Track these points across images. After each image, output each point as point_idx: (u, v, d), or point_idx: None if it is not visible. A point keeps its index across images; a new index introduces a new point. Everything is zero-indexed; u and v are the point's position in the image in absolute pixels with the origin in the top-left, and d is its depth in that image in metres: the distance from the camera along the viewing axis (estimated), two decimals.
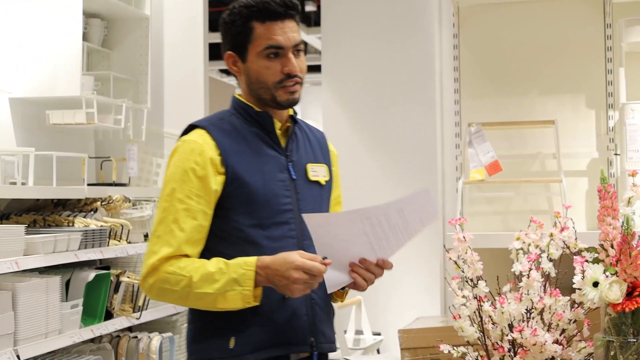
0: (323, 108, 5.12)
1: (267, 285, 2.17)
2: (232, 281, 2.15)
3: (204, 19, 5.30)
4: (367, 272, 2.23)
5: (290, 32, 2.29)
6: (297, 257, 2.13)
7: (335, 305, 3.80)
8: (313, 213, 2.22)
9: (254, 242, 2.25)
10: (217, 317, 2.24)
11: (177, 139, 2.34)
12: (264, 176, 2.28)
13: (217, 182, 2.24)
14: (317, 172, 2.40)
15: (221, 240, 2.26)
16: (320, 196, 2.40)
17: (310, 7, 10.25)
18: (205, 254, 2.26)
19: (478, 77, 3.95)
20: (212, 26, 5.59)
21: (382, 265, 2.24)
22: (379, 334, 4.75)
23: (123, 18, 4.90)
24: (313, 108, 9.53)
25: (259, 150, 2.30)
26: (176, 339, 4.71)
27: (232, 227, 2.26)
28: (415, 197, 2.26)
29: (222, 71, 13.67)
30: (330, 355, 2.46)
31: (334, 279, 2.22)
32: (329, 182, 2.45)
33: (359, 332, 4.70)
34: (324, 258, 2.16)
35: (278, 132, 2.36)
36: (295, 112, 2.43)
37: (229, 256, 2.21)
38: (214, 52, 5.43)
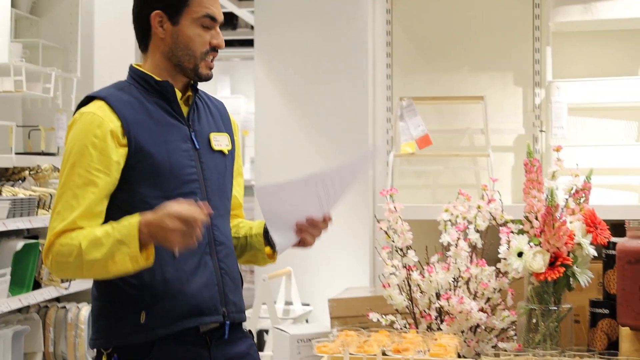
0: (255, 83, 5.11)
1: (152, 242, 2.11)
2: (117, 242, 2.09)
3: None
4: (315, 229, 2.27)
5: (220, 7, 2.32)
6: (173, 205, 2.08)
7: (266, 276, 3.85)
8: (265, 185, 2.21)
9: None
10: (126, 291, 2.19)
11: (75, 110, 2.28)
12: (167, 146, 2.23)
13: (118, 154, 2.18)
14: (219, 141, 2.37)
15: (124, 213, 2.18)
16: (224, 166, 2.38)
17: None
18: None
19: (410, 53, 4.01)
20: None
21: (327, 220, 2.28)
22: (308, 305, 4.80)
23: None
24: (245, 83, 9.48)
25: (161, 120, 2.26)
26: None
27: (137, 199, 2.20)
28: (362, 157, 2.35)
29: None
30: (244, 326, 2.44)
31: (282, 241, 2.26)
32: (232, 152, 2.42)
33: (288, 302, 4.75)
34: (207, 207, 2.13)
35: (180, 101, 2.32)
36: (195, 82, 2.38)
37: None
38: None
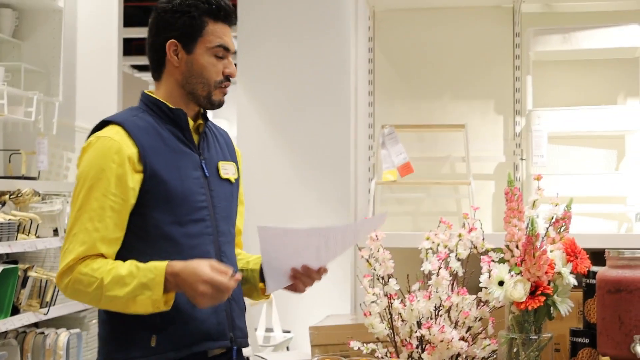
0: (238, 107, 5.12)
1: (176, 290, 2.17)
2: (141, 285, 2.13)
3: (118, 13, 5.24)
4: (308, 278, 2.29)
5: (232, 38, 2.38)
6: (206, 269, 2.13)
7: (247, 302, 3.81)
8: (269, 226, 2.18)
9: (171, 239, 2.25)
10: (137, 316, 2.20)
11: (89, 134, 2.30)
12: (180, 173, 2.28)
13: (134, 181, 2.22)
14: (227, 169, 2.43)
15: (139, 238, 2.24)
16: (230, 193, 2.43)
17: None
18: (123, 252, 2.24)
19: (392, 80, 4.02)
20: (127, 21, 5.53)
21: (322, 271, 2.31)
22: (288, 332, 4.78)
23: (35, 9, 4.82)
24: (227, 107, 9.49)
25: (174, 147, 2.30)
26: (84, 335, 4.65)
27: (150, 224, 2.24)
28: (373, 220, 2.35)
29: (134, 67, 13.49)
30: (244, 351, 2.49)
31: (274, 282, 2.27)
32: (237, 180, 2.49)
33: (269, 329, 4.73)
34: (235, 272, 2.19)
35: (191, 129, 2.36)
36: (205, 111, 2.44)
37: (147, 254, 2.21)
38: (126, 48, 5.38)
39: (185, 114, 2.34)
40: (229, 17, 2.35)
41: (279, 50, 4.86)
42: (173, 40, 2.32)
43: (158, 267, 2.15)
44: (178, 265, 2.15)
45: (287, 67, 4.95)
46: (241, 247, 2.58)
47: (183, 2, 2.33)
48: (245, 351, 2.51)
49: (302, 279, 2.29)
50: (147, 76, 13.76)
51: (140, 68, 13.76)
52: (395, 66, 4.03)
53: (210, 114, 2.51)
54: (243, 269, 2.48)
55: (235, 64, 2.43)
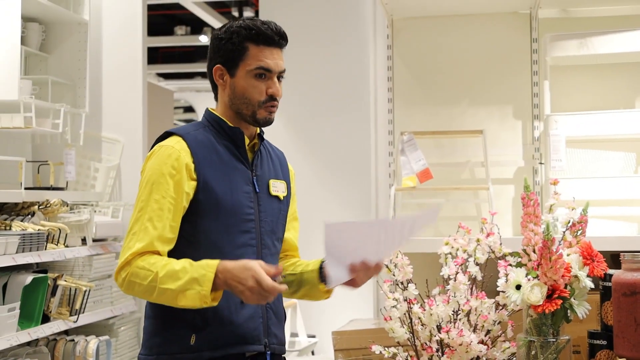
0: None
1: (225, 288, 2.28)
2: (192, 280, 2.26)
3: (142, 23, 5.31)
4: (366, 273, 2.36)
5: (278, 59, 2.49)
6: (257, 267, 2.24)
7: None
8: (335, 222, 2.26)
9: (218, 247, 2.39)
10: (180, 314, 2.36)
11: (153, 144, 2.48)
12: (231, 187, 2.43)
13: (189, 187, 2.39)
14: (277, 187, 2.57)
15: (188, 244, 2.39)
16: (278, 210, 2.56)
17: (248, 13, 10.31)
18: (173, 255, 2.38)
19: (411, 87, 4.06)
20: (151, 30, 5.61)
21: (380, 266, 2.37)
22: (313, 336, 4.83)
23: (61, 22, 4.90)
24: None
25: (228, 162, 2.46)
26: (113, 342, 4.72)
27: (199, 231, 2.40)
28: (428, 214, 2.40)
29: (160, 75, 13.62)
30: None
31: (336, 276, 2.34)
32: (287, 198, 2.62)
33: (294, 334, 4.77)
34: (283, 277, 2.30)
35: (246, 147, 2.51)
36: (262, 132, 2.58)
37: (194, 258, 2.33)
38: (152, 56, 5.44)
39: (242, 132, 2.49)
40: (270, 40, 2.46)
41: (299, 58, 4.90)
42: (219, 65, 2.49)
43: (210, 264, 2.28)
44: (229, 263, 2.28)
45: (308, 76, 4.99)
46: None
47: (228, 30, 2.48)
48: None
49: (360, 274, 2.36)
50: (173, 85, 13.89)
51: (167, 76, 13.89)
52: (414, 73, 4.07)
53: None
54: (303, 272, 2.57)
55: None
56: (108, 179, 5.13)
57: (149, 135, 5.31)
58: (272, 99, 2.47)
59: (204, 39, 11.35)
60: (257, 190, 2.48)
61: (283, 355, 2.58)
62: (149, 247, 2.34)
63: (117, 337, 4.83)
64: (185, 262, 2.31)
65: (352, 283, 2.41)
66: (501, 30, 4.02)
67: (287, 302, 4.63)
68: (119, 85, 5.27)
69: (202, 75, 13.41)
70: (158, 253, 2.35)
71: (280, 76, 2.49)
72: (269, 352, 2.46)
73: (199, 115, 13.35)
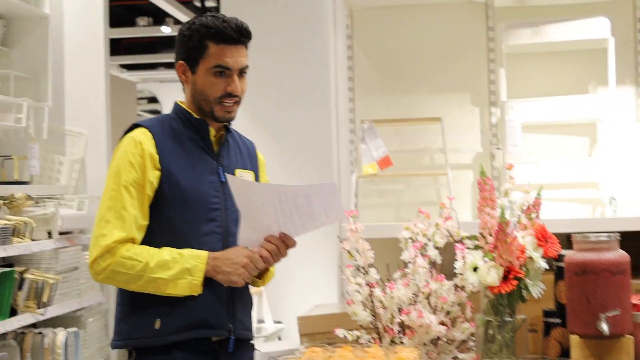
0: None
1: (211, 276, 2.41)
2: (185, 270, 2.39)
3: (104, 14, 5.30)
4: (271, 244, 2.45)
5: (239, 56, 2.53)
6: (244, 249, 2.43)
7: None
8: (236, 177, 2.49)
9: (182, 235, 2.46)
10: (147, 300, 2.43)
11: (122, 136, 2.54)
12: (195, 176, 2.49)
13: (154, 176, 2.45)
14: (244, 177, 2.62)
15: (154, 233, 2.46)
16: None
17: (210, 3, 10.28)
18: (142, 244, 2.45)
19: (371, 77, 4.12)
20: (112, 21, 5.59)
21: (284, 240, 2.46)
22: (279, 322, 4.88)
23: (22, 16, 4.87)
24: None
25: (193, 153, 2.52)
26: (81, 333, 4.73)
27: (164, 220, 2.47)
28: (322, 188, 2.46)
29: (122, 66, 13.53)
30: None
31: (245, 236, 2.46)
32: None
33: (260, 321, 4.82)
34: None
35: (212, 138, 2.57)
36: (229, 123, 2.63)
37: (159, 246, 2.42)
38: (114, 47, 5.42)
39: (207, 124, 2.56)
40: (230, 38, 2.50)
41: (259, 49, 4.93)
42: (182, 61, 2.56)
43: (200, 255, 2.41)
44: (216, 252, 2.43)
45: (269, 67, 5.02)
46: None
47: (191, 27, 2.54)
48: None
49: (265, 245, 2.45)
50: (135, 76, 13.79)
51: (129, 67, 13.80)
52: (374, 63, 4.13)
53: None
54: None
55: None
56: (72, 172, 5.13)
57: (112, 127, 5.31)
58: (229, 95, 2.52)
59: (166, 30, 11.30)
60: (223, 179, 2.52)
61: (252, 342, 2.64)
62: (129, 235, 2.41)
63: (85, 329, 4.85)
64: (174, 253, 2.41)
65: (264, 260, 2.45)
66: (458, 19, 4.08)
67: (252, 289, 4.67)
68: (82, 78, 5.26)
69: (165, 65, 13.34)
70: (134, 241, 2.42)
71: (242, 72, 2.54)
72: (233, 337, 2.52)
73: (163, 106, 13.31)
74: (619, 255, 2.39)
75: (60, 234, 4.65)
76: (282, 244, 2.47)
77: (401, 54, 4.13)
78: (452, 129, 4.02)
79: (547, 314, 2.66)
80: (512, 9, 4.05)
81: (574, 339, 2.41)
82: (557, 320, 2.60)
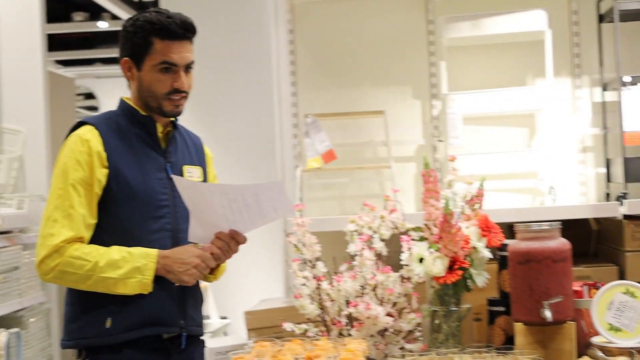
0: None
1: (162, 274, 2.40)
2: (134, 269, 2.37)
3: (40, 10, 5.20)
4: (221, 241, 2.45)
5: (185, 52, 2.52)
6: (195, 248, 2.42)
7: None
8: (181, 178, 2.49)
9: (132, 232, 2.44)
10: (97, 299, 2.41)
11: (67, 134, 2.50)
12: (143, 174, 2.47)
13: (101, 174, 2.43)
14: (192, 173, 2.62)
15: (103, 231, 2.44)
16: None
17: None
18: (90, 242, 2.43)
19: (313, 71, 4.13)
20: (48, 17, 5.49)
21: (234, 237, 2.46)
22: (225, 318, 4.86)
23: None
24: None
25: (140, 150, 2.50)
26: (23, 334, 4.66)
27: (113, 218, 2.44)
28: (269, 187, 2.45)
29: (58, 62, 13.31)
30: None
31: (195, 232, 2.46)
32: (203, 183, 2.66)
33: (206, 317, 4.79)
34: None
35: (160, 135, 2.56)
36: (176, 119, 2.62)
37: (108, 245, 2.40)
38: (50, 43, 5.33)
39: (154, 121, 2.54)
40: (175, 34, 2.48)
41: (200, 43, 4.90)
42: (127, 58, 2.53)
43: (150, 254, 2.39)
44: (166, 251, 2.41)
45: (210, 61, 4.98)
46: None
47: (135, 23, 2.50)
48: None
49: (215, 242, 2.45)
50: (72, 71, 13.57)
51: (65, 63, 13.58)
52: (316, 57, 4.14)
53: None
54: None
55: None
56: (11, 170, 5.04)
57: (51, 124, 5.23)
58: (177, 91, 2.50)
59: (102, 25, 11.15)
60: (171, 177, 2.50)
61: (201, 338, 2.64)
62: (78, 234, 2.39)
63: (27, 329, 4.77)
64: (123, 251, 2.39)
65: (215, 256, 2.45)
66: (398, 12, 4.12)
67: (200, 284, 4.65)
68: (19, 75, 5.16)
69: (102, 61, 13.15)
70: (82, 240, 2.40)
71: (189, 67, 2.53)
72: (185, 334, 2.52)
73: (100, 102, 13.12)
74: (561, 243, 2.45)
75: (0, 233, 4.56)
76: (232, 241, 2.46)
77: (343, 48, 4.14)
78: (395, 122, 4.05)
79: (491, 302, 2.71)
80: (452, 2, 4.09)
81: (518, 327, 2.46)
82: (501, 309, 2.65)
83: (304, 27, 4.14)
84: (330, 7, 4.15)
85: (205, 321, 4.74)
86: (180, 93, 2.51)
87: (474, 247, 2.57)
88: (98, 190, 2.42)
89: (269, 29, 4.22)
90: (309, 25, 4.14)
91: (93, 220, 2.43)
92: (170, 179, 2.50)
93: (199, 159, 2.68)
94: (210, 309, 4.79)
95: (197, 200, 2.41)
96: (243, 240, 2.48)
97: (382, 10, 4.12)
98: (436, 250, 2.53)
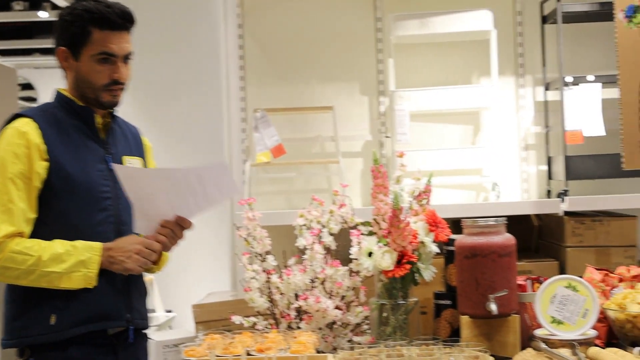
0: None
1: (107, 266, 2.37)
2: (79, 263, 2.34)
3: None
4: (167, 229, 2.44)
5: (123, 42, 2.48)
6: (136, 236, 2.41)
7: None
8: (121, 165, 2.47)
9: (74, 225, 2.40)
10: (40, 296, 2.36)
11: (2, 127, 2.44)
12: (83, 166, 2.43)
13: (41, 167, 2.38)
14: (132, 164, 2.58)
15: (44, 225, 2.39)
16: None
17: None
18: (31, 236, 2.38)
19: (263, 65, 4.14)
20: None
21: (180, 223, 2.45)
22: (170, 311, 4.85)
23: None
24: None
25: (79, 142, 2.46)
26: None
27: (54, 211, 2.40)
28: (213, 168, 2.44)
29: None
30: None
31: (141, 224, 2.44)
32: None
33: (151, 310, 4.78)
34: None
35: (98, 126, 2.52)
36: (114, 110, 2.58)
37: (50, 238, 2.36)
38: None
39: (92, 112, 2.49)
40: (114, 24, 2.44)
41: (148, 37, 4.87)
42: (63, 47, 2.47)
43: (94, 247, 2.37)
44: (109, 243, 2.39)
45: (158, 55, 4.94)
46: None
47: (73, 12, 2.45)
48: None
49: (161, 230, 2.44)
50: (10, 61, 13.32)
51: (4, 53, 13.33)
52: (265, 52, 4.15)
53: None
54: None
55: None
56: None
57: None
58: (116, 82, 2.47)
59: (43, 15, 10.97)
60: (111, 168, 2.48)
61: (144, 331, 2.62)
62: (18, 229, 2.34)
63: None
64: (67, 245, 2.35)
65: (162, 245, 2.45)
66: (347, 9, 4.15)
67: (144, 278, 4.62)
68: None
69: (41, 51, 12.95)
70: (23, 235, 2.35)
71: (127, 58, 2.50)
72: (132, 328, 2.50)
73: (39, 93, 12.92)
74: (506, 238, 2.51)
75: None
76: (177, 227, 2.45)
77: (292, 43, 4.16)
78: (343, 117, 4.08)
79: (437, 296, 2.76)
80: (400, 0, 4.14)
81: (464, 319, 2.51)
82: (448, 302, 2.71)
83: (253, 21, 4.15)
84: (280, 2, 4.16)
85: (150, 314, 4.74)
86: (118, 84, 2.48)
87: (422, 242, 2.62)
88: (38, 183, 2.38)
89: (218, 23, 4.22)
90: (258, 20, 4.15)
91: (33, 215, 2.38)
92: (111, 170, 2.46)
93: (138, 150, 2.65)
94: (156, 302, 4.77)
95: (139, 189, 2.39)
96: (189, 225, 2.47)
97: (331, 6, 4.15)
98: (385, 245, 2.57)
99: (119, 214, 2.48)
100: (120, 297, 2.47)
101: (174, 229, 2.45)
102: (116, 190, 2.46)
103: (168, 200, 2.41)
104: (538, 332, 2.48)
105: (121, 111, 2.63)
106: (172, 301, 4.93)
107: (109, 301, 2.44)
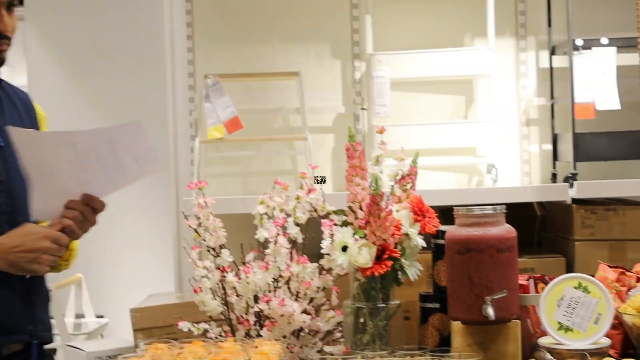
0: (27, 55, 5.03)
1: (3, 270, 2.26)
2: None
3: None
4: (74, 211, 2.34)
5: None
6: (37, 227, 2.26)
7: (52, 285, 3.85)
8: (19, 128, 2.33)
9: None
10: None
11: None
12: None
13: None
14: None
15: None
16: None
17: None
18: None
19: (215, 23, 4.10)
20: None
21: (90, 203, 2.35)
22: (102, 317, 4.84)
23: None
24: (13, 55, 9.18)
25: None
26: None
27: None
28: (124, 128, 2.38)
29: None
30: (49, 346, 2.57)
31: (41, 208, 2.32)
32: None
33: (79, 315, 4.77)
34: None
35: None
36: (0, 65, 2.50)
37: None
38: None
39: None
40: None
41: None
42: None
43: None
44: (3, 238, 2.26)
45: (86, 10, 4.92)
46: None
47: None
48: (51, 344, 2.59)
49: (66, 213, 2.33)
50: None
51: None
52: (218, 6, 4.11)
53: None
54: None
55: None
56: None
57: None
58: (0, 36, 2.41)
59: None
60: (2, 144, 2.42)
61: (45, 347, 2.52)
62: None
63: None
64: None
65: (67, 230, 2.37)
66: None
67: (69, 277, 4.61)
68: None
69: None
70: None
71: (10, 6, 2.43)
72: (35, 342, 2.43)
73: None
74: (506, 230, 2.52)
75: None
76: (87, 209, 2.36)
77: None
78: (311, 85, 4.06)
79: (424, 298, 2.77)
80: None
81: (455, 326, 2.53)
82: (436, 305, 2.72)
83: None
84: None
85: (79, 321, 4.75)
86: (2, 38, 2.42)
87: (406, 234, 2.62)
88: None
89: None
90: None
91: None
92: (1, 148, 2.39)
93: (30, 120, 2.58)
94: (85, 306, 4.76)
95: (38, 160, 2.28)
96: (101, 206, 2.39)
97: None
98: (362, 237, 2.57)
99: (12, 200, 2.41)
100: (20, 304, 2.39)
101: (83, 210, 2.35)
102: (8, 172, 2.40)
103: (74, 172, 2.32)
104: (542, 341, 2.50)
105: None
106: (105, 305, 4.92)
107: (6, 311, 2.35)
